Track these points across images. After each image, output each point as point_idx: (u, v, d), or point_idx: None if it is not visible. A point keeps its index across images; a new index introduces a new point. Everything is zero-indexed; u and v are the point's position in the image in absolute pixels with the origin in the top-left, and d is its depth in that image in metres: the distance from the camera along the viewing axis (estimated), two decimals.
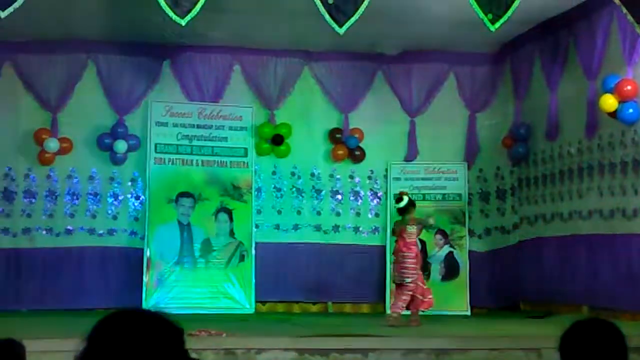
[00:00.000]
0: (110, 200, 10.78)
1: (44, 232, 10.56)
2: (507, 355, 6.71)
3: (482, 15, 7.43)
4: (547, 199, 10.39)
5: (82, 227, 10.65)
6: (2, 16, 7.06)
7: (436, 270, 11.00)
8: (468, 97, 11.46)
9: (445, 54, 11.23)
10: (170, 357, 2.20)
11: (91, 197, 10.73)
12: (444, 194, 11.20)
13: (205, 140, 10.85)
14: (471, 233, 11.22)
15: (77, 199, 10.70)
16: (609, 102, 8.61)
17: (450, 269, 11.00)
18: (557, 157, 10.18)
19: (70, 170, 10.71)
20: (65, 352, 6.09)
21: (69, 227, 10.63)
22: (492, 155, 11.37)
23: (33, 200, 10.59)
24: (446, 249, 11.06)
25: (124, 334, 2.18)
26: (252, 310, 10.46)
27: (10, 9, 7.02)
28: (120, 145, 10.62)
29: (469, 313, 10.71)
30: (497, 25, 7.50)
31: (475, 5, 7.37)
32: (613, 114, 8.68)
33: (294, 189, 11.24)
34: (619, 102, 8.57)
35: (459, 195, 11.21)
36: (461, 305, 10.73)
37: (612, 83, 8.61)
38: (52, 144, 10.47)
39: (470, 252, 11.08)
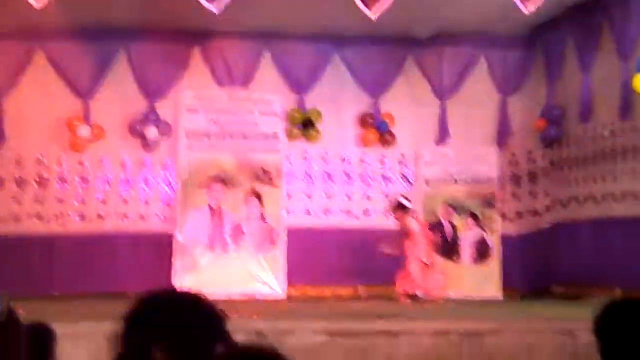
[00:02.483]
0: (141, 185, 10.84)
1: (77, 217, 10.66)
2: (540, 338, 6.67)
3: None
4: (580, 182, 10.30)
5: (114, 212, 10.73)
6: (37, 7, 7.11)
7: (467, 253, 10.96)
8: (499, 80, 11.38)
9: (476, 37, 11.13)
10: (213, 337, 2.18)
11: (123, 183, 10.81)
12: (475, 178, 11.13)
13: (235, 125, 10.86)
14: (503, 216, 11.15)
15: (109, 184, 10.78)
16: None
17: (482, 252, 10.95)
18: (590, 139, 10.08)
19: (102, 156, 10.79)
20: (96, 335, 6.17)
21: (101, 213, 10.72)
22: (524, 138, 11.29)
23: (65, 187, 10.69)
24: (477, 232, 11.01)
25: (166, 312, 2.16)
26: (283, 294, 10.48)
27: (45, 0, 7.06)
28: (152, 132, 10.67)
29: (500, 296, 10.65)
30: (531, 7, 7.43)
31: None
32: None
33: (325, 174, 11.23)
34: None
35: (491, 178, 11.13)
36: (493, 289, 10.68)
37: None
38: (84, 131, 10.56)
39: (502, 235, 11.02)
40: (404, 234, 9.90)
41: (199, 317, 2.22)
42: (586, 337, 5.64)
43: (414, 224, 9.94)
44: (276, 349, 2.06)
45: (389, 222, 11.14)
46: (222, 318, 2.30)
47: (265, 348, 2.03)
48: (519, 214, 11.26)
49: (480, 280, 10.69)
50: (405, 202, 10.07)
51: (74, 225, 10.62)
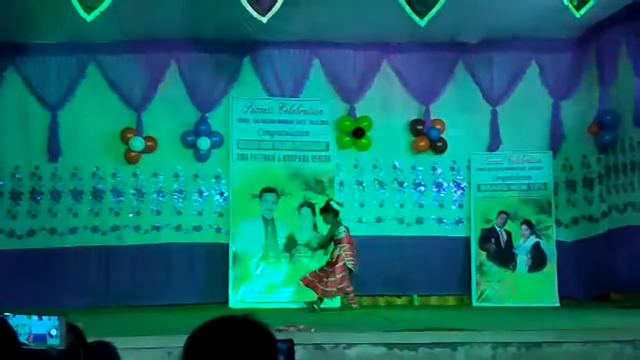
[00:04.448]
0: (195, 196, 10.91)
1: (132, 229, 10.76)
2: (601, 348, 6.57)
3: (567, 1, 7.28)
4: (636, 187, 10.13)
5: (169, 224, 10.80)
6: (88, 20, 7.22)
7: (523, 261, 10.84)
8: (551, 85, 11.25)
9: (526, 40, 11.02)
10: None
11: (176, 194, 10.88)
12: (528, 184, 11.02)
13: (286, 135, 10.90)
14: (558, 223, 11.00)
15: (163, 196, 10.85)
16: None
17: (537, 259, 10.83)
18: None
19: (156, 168, 10.87)
20: (155, 349, 6.22)
21: (155, 224, 10.80)
22: (577, 143, 11.13)
23: (120, 199, 10.80)
24: (532, 239, 10.89)
25: (228, 343, 2.18)
26: (337, 304, 10.44)
27: (96, 12, 7.17)
28: (204, 143, 10.74)
29: (558, 304, 10.52)
30: (583, 11, 7.34)
31: None
32: None
33: (376, 182, 11.20)
34: None
35: (545, 184, 11.01)
36: (550, 297, 10.56)
37: None
38: (138, 143, 10.66)
39: (557, 242, 10.88)
40: (331, 239, 9.73)
41: (263, 348, 2.24)
42: None
43: (342, 230, 9.72)
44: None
45: (442, 229, 11.13)
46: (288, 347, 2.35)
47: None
48: (575, 220, 11.10)
49: (537, 288, 10.58)
50: (336, 205, 9.85)
51: (130, 238, 10.72)
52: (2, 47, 10.54)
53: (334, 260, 9.58)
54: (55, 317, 2.94)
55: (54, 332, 2.96)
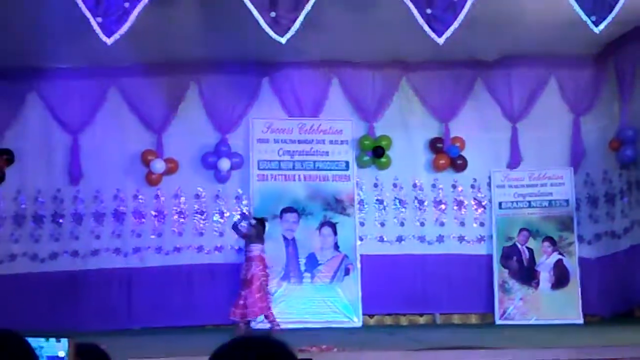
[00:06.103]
0: (216, 217, 10.94)
1: (154, 251, 10.80)
2: None
3: (585, 17, 7.27)
4: None
5: (190, 245, 10.84)
6: (109, 43, 7.29)
7: (545, 278, 10.79)
8: (571, 100, 11.23)
9: (545, 57, 11.02)
10: None
11: (198, 215, 10.92)
12: (550, 200, 10.98)
13: (306, 155, 10.92)
14: (580, 239, 10.95)
15: (185, 217, 10.90)
16: None
17: (560, 276, 10.76)
18: None
19: (177, 189, 10.93)
20: None
21: (177, 246, 10.83)
22: (599, 158, 11.08)
23: (142, 220, 10.85)
24: (555, 256, 10.83)
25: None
26: (359, 324, 10.44)
27: (116, 36, 7.24)
28: (224, 164, 10.78)
29: (581, 321, 10.44)
30: (601, 26, 7.33)
31: (578, 8, 7.20)
32: None
33: (397, 201, 11.19)
34: None
35: (566, 201, 10.97)
36: (573, 314, 10.48)
37: None
38: (159, 165, 10.72)
39: (580, 258, 10.82)
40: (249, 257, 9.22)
41: None
42: None
43: (258, 248, 9.22)
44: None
45: (464, 247, 11.09)
46: None
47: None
48: (597, 237, 11.02)
49: (560, 306, 10.51)
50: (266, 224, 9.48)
51: (152, 259, 10.76)
52: (24, 72, 10.64)
53: (248, 278, 9.13)
54: (65, 340, 2.98)
55: (62, 354, 2.99)
